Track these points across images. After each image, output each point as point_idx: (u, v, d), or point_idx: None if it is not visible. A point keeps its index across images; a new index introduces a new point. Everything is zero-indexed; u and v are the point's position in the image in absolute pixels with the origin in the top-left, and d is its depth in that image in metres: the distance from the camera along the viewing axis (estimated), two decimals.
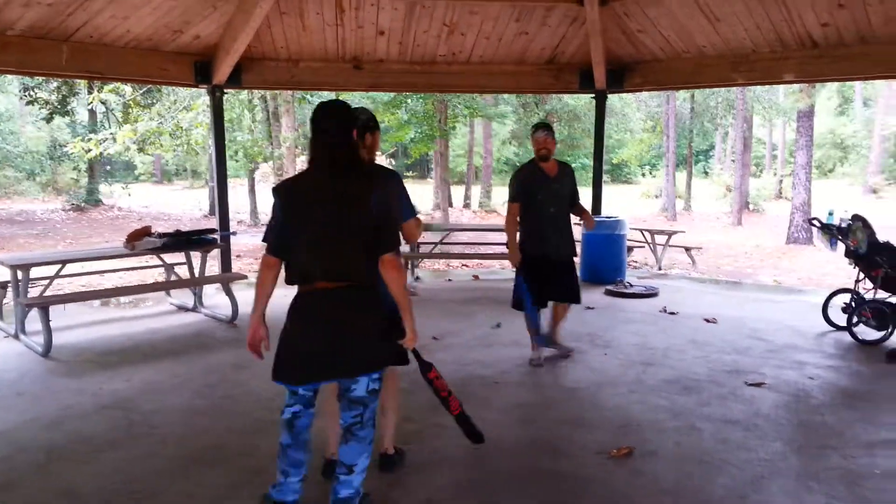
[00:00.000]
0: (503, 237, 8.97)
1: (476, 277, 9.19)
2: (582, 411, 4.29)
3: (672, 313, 6.84)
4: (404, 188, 3.25)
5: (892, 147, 31.24)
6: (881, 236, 6.02)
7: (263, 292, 2.81)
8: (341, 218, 2.64)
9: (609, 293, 7.76)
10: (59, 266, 6.09)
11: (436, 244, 8.95)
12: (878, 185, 29.54)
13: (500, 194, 25.91)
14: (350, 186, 2.66)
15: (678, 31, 7.38)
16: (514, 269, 5.09)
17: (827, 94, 35.61)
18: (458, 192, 27.65)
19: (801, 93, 17.00)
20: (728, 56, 7.44)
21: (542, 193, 4.96)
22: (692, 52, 7.62)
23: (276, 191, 2.76)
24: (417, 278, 8.77)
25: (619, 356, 5.31)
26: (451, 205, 24.19)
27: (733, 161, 25.36)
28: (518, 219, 5.05)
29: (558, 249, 5.00)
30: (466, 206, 26.60)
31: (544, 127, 5.08)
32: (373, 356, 2.77)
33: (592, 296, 7.60)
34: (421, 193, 25.20)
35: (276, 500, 2.85)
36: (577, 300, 5.20)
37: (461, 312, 6.92)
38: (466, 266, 10.71)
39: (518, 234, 5.07)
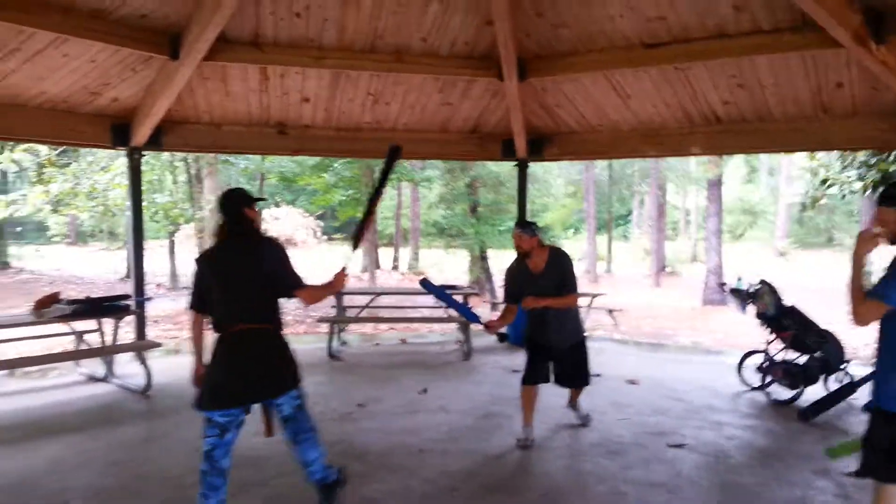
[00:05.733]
0: (431, 300, 9.00)
1: (403, 341, 9.13)
2: (508, 478, 4.27)
3: (596, 375, 6.93)
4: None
5: (795, 213, 33.29)
6: (791, 298, 6.34)
7: (196, 341, 3.52)
8: (241, 275, 3.36)
9: None
10: None
11: (363, 307, 8.86)
12: (785, 248, 31.28)
13: (428, 256, 26.07)
14: (244, 250, 3.40)
15: (593, 106, 7.75)
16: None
17: (735, 164, 37.84)
18: (386, 255, 27.64)
19: (709, 163, 18.01)
20: (639, 129, 7.85)
21: (529, 290, 4.74)
22: (606, 125, 8.00)
23: (197, 260, 3.51)
24: (344, 343, 8.63)
25: (544, 420, 5.32)
26: (378, 267, 24.14)
27: (650, 226, 26.44)
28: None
29: (557, 342, 4.82)
30: (395, 268, 26.60)
31: (519, 224, 4.87)
32: (280, 382, 3.40)
33: (518, 359, 7.63)
34: (350, 255, 25.01)
35: None
36: (580, 385, 5.07)
37: (387, 378, 6.84)
38: (394, 329, 10.63)
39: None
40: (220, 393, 3.28)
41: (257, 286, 3.36)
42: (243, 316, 3.34)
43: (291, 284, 3.38)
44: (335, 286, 3.55)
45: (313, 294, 3.49)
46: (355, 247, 3.77)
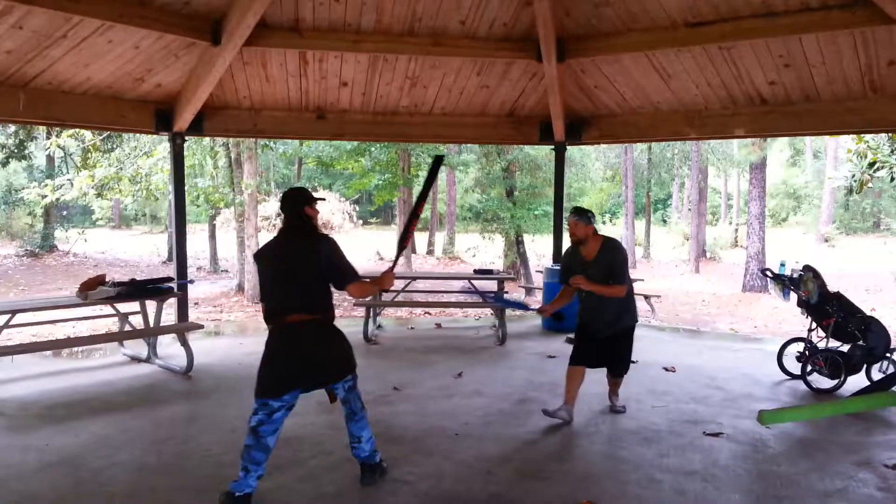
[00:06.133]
0: (466, 285, 9.02)
1: (438, 326, 9.17)
2: (542, 463, 4.26)
3: (632, 361, 6.87)
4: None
5: (841, 198, 32.39)
6: (835, 285, 6.18)
7: None
8: (298, 267, 3.56)
9: (570, 341, 7.77)
10: (8, 316, 5.89)
11: (398, 292, 8.91)
12: (829, 234, 30.48)
13: (464, 241, 26.08)
14: (302, 245, 3.60)
15: (633, 87, 7.63)
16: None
17: (779, 147, 36.92)
18: (421, 239, 27.73)
19: (753, 146, 17.60)
20: (681, 111, 7.71)
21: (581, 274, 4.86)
22: (647, 107, 7.87)
23: (255, 256, 3.76)
24: (379, 326, 8.71)
25: (579, 406, 5.30)
26: (414, 251, 24.25)
27: (690, 210, 25.98)
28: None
29: (603, 328, 4.93)
30: (430, 252, 26.68)
31: (574, 212, 4.92)
32: (336, 370, 3.65)
33: (553, 344, 7.63)
34: (385, 240, 25.22)
35: (230, 491, 3.45)
36: (619, 371, 5.18)
37: (423, 361, 6.88)
38: (429, 314, 10.69)
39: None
40: (277, 382, 3.51)
41: (313, 279, 3.56)
42: (297, 307, 3.54)
43: (346, 278, 3.59)
44: (382, 284, 3.78)
45: (362, 289, 3.69)
46: (400, 250, 4.02)
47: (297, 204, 3.70)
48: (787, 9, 6.06)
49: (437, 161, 4.22)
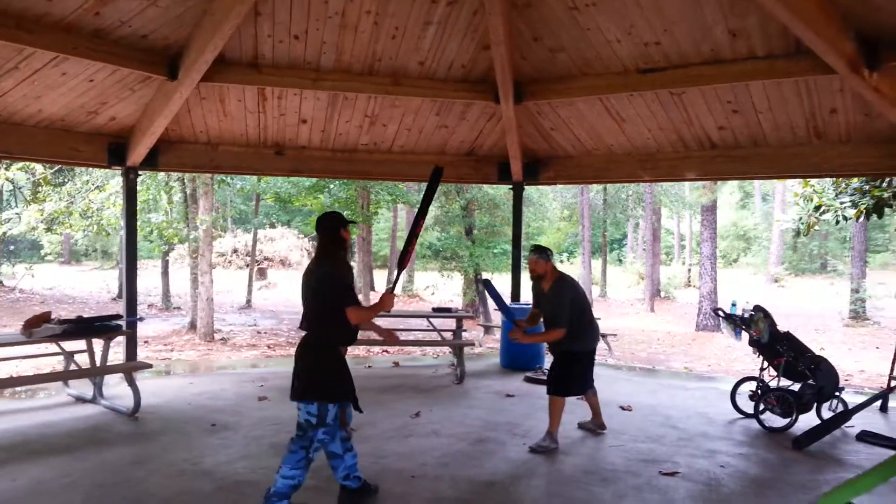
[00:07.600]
0: (424, 323, 8.97)
1: (396, 364, 9.07)
2: None
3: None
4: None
5: (789, 240, 33.43)
6: (784, 325, 6.32)
7: None
8: (305, 289, 3.86)
9: (528, 380, 7.78)
10: None
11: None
12: (779, 275, 31.34)
13: (423, 279, 26.03)
14: (313, 267, 3.85)
15: (588, 130, 7.80)
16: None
17: (729, 190, 38.10)
18: (381, 276, 27.58)
19: (704, 188, 18.10)
20: (634, 154, 7.90)
21: (539, 306, 5.53)
22: (601, 149, 8.04)
23: None
24: None
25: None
26: (373, 289, 24.08)
27: (644, 250, 26.47)
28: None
29: (553, 346, 5.49)
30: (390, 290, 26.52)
31: (534, 250, 5.44)
32: (299, 388, 3.79)
33: (512, 383, 7.61)
34: None
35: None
36: (548, 389, 5.45)
37: (379, 401, 6.76)
38: (387, 352, 10.57)
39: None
40: None
41: (311, 300, 3.82)
42: (305, 325, 3.89)
43: (339, 303, 3.74)
44: (383, 307, 3.92)
45: (358, 314, 3.81)
46: (400, 270, 4.09)
47: (335, 227, 3.88)
48: (735, 57, 6.30)
49: (437, 174, 4.22)
